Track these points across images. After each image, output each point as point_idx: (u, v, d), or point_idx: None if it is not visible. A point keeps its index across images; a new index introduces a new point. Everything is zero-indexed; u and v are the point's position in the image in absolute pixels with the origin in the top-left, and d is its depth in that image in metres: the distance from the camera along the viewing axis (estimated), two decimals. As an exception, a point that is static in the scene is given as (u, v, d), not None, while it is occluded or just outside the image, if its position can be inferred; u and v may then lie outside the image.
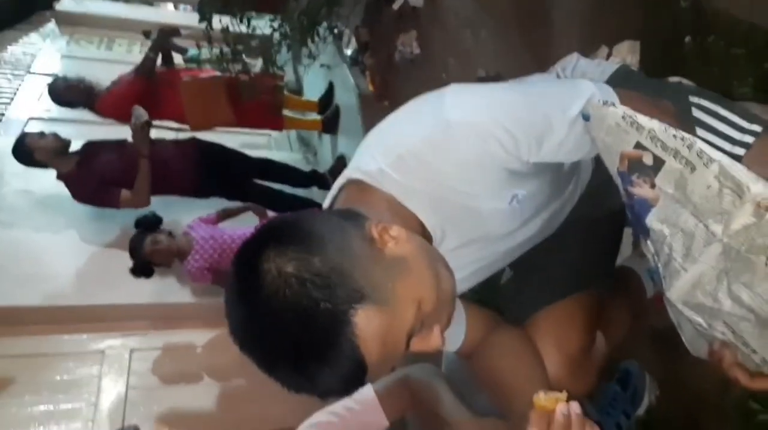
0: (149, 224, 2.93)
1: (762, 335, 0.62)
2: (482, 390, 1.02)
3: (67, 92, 3.14)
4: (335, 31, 3.58)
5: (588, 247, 1.12)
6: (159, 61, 3.26)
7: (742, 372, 0.70)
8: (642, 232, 0.75)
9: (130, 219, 3.00)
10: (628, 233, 1.27)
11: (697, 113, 0.82)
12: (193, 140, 3.26)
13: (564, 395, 0.73)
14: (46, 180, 3.11)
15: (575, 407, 0.71)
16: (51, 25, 5.67)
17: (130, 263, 2.86)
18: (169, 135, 3.45)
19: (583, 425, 0.71)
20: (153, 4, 6.50)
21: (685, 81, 1.25)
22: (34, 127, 3.58)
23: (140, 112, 2.86)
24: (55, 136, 2.94)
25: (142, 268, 2.87)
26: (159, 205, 3.09)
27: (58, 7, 5.75)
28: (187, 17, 5.32)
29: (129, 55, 5.20)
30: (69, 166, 2.94)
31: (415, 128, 0.80)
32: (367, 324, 0.63)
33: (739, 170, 0.60)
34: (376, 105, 3.28)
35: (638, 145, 0.69)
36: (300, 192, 3.51)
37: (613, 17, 1.71)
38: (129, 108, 2.89)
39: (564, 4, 1.97)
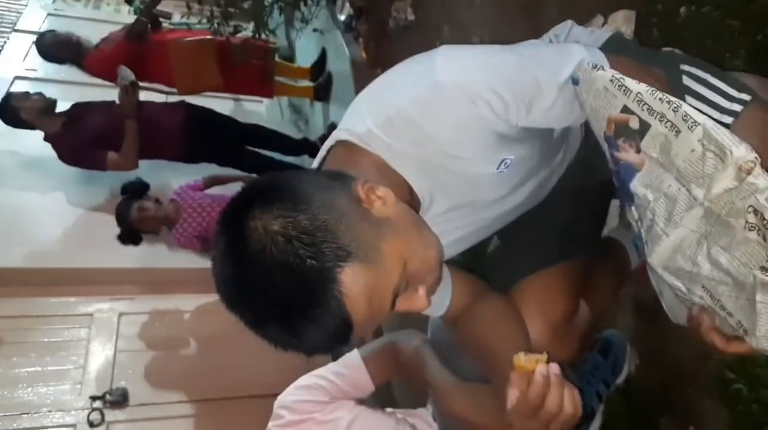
0: (136, 190, 2.89)
1: (738, 298, 0.63)
2: (466, 355, 1.03)
3: (55, 47, 3.07)
4: (330, -6, 3.52)
5: (575, 216, 1.12)
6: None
7: (718, 336, 0.71)
8: (627, 198, 0.76)
9: (118, 182, 2.97)
10: (615, 204, 1.27)
11: (687, 81, 0.81)
12: (183, 104, 3.21)
13: (544, 356, 0.74)
14: (33, 141, 3.06)
15: (555, 368, 0.72)
16: (37, -18, 5.51)
17: (118, 228, 2.83)
18: (159, 99, 3.40)
19: (562, 387, 0.72)
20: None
21: (677, 51, 1.24)
22: (19, 87, 3.50)
23: (126, 73, 2.81)
24: (41, 95, 2.89)
25: (130, 235, 2.83)
26: (147, 169, 3.06)
27: (45, -37, 5.58)
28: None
29: (117, 14, 5.06)
30: (55, 126, 2.90)
31: (405, 89, 0.79)
32: (353, 282, 0.63)
33: (722, 134, 0.60)
34: (369, 72, 3.23)
35: (625, 109, 0.69)
36: (291, 160, 3.48)
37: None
38: (116, 68, 2.84)
39: (560, -28, 1.93)
